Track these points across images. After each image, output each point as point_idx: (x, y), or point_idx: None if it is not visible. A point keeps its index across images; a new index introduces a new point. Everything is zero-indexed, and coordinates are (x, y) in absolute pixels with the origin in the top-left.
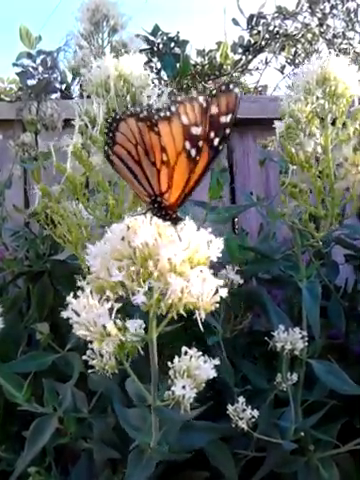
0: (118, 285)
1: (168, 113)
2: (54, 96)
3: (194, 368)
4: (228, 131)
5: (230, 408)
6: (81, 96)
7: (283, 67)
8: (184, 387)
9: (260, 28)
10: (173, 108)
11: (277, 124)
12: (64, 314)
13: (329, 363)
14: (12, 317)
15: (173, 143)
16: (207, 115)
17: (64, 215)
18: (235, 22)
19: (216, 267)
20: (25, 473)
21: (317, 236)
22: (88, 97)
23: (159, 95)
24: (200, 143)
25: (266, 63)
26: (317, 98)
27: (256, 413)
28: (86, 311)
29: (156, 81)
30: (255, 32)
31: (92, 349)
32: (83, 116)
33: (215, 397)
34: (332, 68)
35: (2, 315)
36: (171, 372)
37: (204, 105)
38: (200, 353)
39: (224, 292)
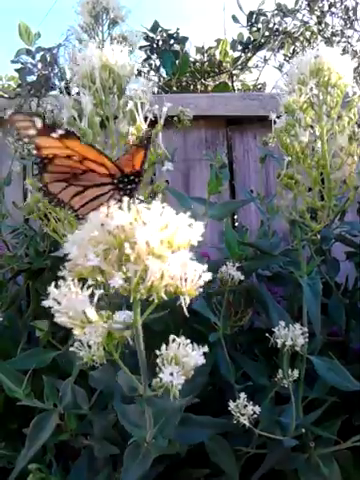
0: (96, 270)
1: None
2: (53, 92)
3: (182, 356)
4: None
5: (232, 404)
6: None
7: (281, 65)
8: (172, 374)
9: (260, 25)
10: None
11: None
12: (45, 303)
13: (330, 360)
14: (11, 314)
15: None
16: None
17: (57, 210)
18: (235, 19)
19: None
20: (26, 470)
21: (315, 228)
22: (78, 94)
23: (149, 80)
24: None
25: (265, 61)
26: (311, 88)
27: (258, 409)
28: (66, 299)
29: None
30: (255, 29)
31: (80, 340)
32: (70, 109)
33: (216, 394)
34: (325, 58)
35: (3, 311)
36: (159, 360)
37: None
38: (188, 341)
39: (208, 276)
